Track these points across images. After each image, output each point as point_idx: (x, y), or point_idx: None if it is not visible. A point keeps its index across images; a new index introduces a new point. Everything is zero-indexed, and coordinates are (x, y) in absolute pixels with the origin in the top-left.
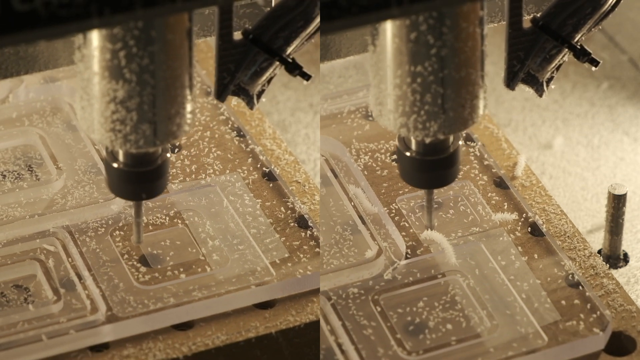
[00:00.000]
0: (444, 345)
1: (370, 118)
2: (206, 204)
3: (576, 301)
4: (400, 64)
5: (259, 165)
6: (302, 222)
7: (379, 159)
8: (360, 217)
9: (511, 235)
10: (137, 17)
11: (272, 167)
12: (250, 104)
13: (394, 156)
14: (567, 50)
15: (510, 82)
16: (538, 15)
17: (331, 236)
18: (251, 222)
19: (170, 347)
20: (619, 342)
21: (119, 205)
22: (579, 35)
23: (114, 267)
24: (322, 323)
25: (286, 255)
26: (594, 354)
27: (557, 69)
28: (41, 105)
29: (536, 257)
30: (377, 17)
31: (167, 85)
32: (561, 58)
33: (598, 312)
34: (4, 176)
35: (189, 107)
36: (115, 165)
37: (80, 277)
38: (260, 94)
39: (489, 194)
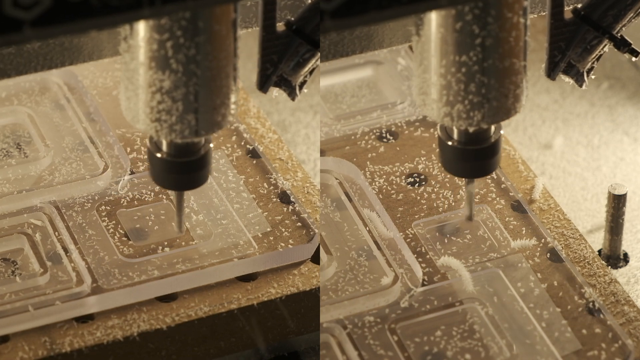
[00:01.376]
0: None
1: (385, 139)
2: None
3: (597, 330)
4: (445, 53)
5: (242, 143)
6: (284, 198)
7: (394, 182)
8: (376, 243)
9: (530, 261)
10: (187, 8)
11: (256, 144)
12: (292, 94)
13: (409, 179)
14: (607, 40)
15: (552, 72)
16: (579, 6)
17: (346, 262)
18: (234, 197)
19: (154, 319)
20: None
21: (105, 182)
22: (620, 26)
23: (100, 241)
24: (338, 353)
25: (268, 229)
26: None
27: (598, 59)
28: (30, 85)
29: (556, 284)
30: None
31: (213, 76)
32: (602, 48)
33: (620, 342)
34: None
35: (233, 97)
36: (159, 155)
37: (66, 251)
38: (302, 85)
39: (507, 218)
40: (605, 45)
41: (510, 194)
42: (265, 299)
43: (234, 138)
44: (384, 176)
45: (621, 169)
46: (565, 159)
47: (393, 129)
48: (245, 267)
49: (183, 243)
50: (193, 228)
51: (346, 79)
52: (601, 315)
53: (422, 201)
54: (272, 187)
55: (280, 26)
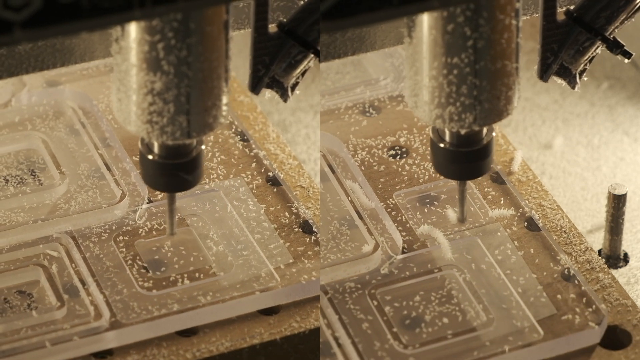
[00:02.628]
0: (440, 339)
1: (368, 114)
2: (210, 209)
3: (572, 295)
4: (437, 55)
5: (262, 170)
6: (306, 227)
7: (376, 154)
8: (358, 212)
9: (507, 230)
10: (178, 9)
11: (276, 171)
12: (284, 96)
13: (391, 152)
14: (600, 42)
15: (544, 74)
16: (572, 7)
17: (328, 231)
18: (255, 227)
19: (175, 354)
20: (614, 336)
21: (122, 210)
22: (612, 28)
23: (118, 273)
24: (319, 317)
25: (290, 260)
26: (590, 347)
27: (590, 61)
28: (44, 109)
29: (532, 252)
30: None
31: (204, 77)
32: (594, 50)
33: (594, 306)
34: (7, 181)
35: (224, 99)
36: (150, 157)
37: (83, 283)
38: (294, 86)
39: (486, 189)
40: (598, 47)
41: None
42: (289, 333)
43: (253, 165)
44: (367, 149)
45: (621, 169)
46: (565, 159)
47: (376, 104)
48: (268, 300)
49: (203, 275)
50: (213, 260)
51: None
52: (576, 282)
53: (403, 173)
54: (293, 217)
55: (272, 27)
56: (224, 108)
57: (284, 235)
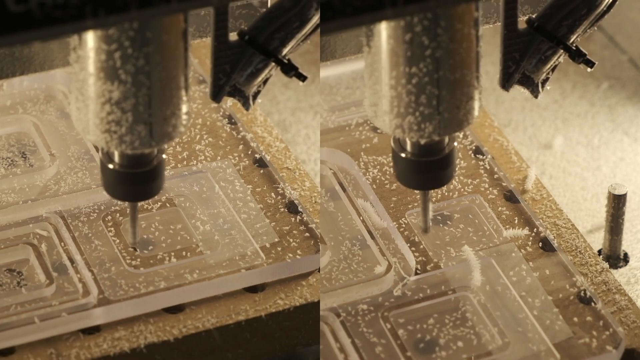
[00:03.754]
0: None
1: (379, 130)
2: (197, 189)
3: (588, 318)
4: (395, 65)
5: (249, 152)
6: (292, 208)
7: (388, 172)
8: (369, 232)
9: (522, 250)
10: (132, 18)
11: (263, 153)
12: (246, 105)
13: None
14: (562, 51)
15: (506, 83)
16: (533, 16)
17: (339, 251)
18: (242, 207)
19: (161, 330)
20: (632, 359)
21: None
22: (575, 36)
23: (106, 251)
24: (331, 340)
25: (276, 239)
26: None
27: (553, 70)
28: (35, 93)
29: (547, 273)
30: (372, 18)
31: (163, 86)
32: (556, 59)
33: (611, 329)
34: None
35: (184, 108)
36: (110, 166)
37: (72, 261)
38: (256, 95)
39: (499, 208)
40: (560, 55)
41: (503, 184)
42: (274, 310)
43: (240, 147)
44: (378, 166)
45: (621, 169)
46: (565, 159)
47: None
48: (253, 278)
49: (190, 254)
50: (200, 238)
51: (341, 72)
52: (592, 304)
53: (415, 191)
54: (279, 197)
55: (234, 36)
56: (184, 117)
57: (269, 215)
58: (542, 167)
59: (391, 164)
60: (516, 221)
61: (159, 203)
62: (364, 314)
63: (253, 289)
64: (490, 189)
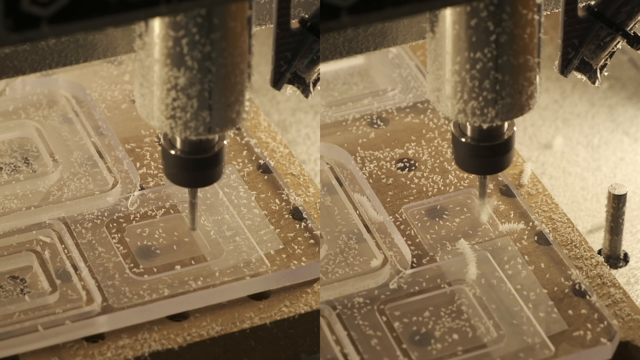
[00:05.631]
0: (450, 356)
1: (375, 125)
2: (201, 195)
3: (583, 311)
4: (459, 50)
5: (254, 158)
6: (296, 214)
7: (384, 167)
8: (366, 226)
9: (517, 244)
10: (203, 5)
11: (267, 159)
12: (305, 91)
13: (399, 164)
14: (620, 37)
15: (565, 69)
16: (592, 3)
17: (336, 245)
18: (246, 213)
19: (166, 338)
20: (626, 352)
21: (115, 197)
22: (633, 23)
23: (110, 258)
24: (327, 333)
25: (281, 246)
26: None
27: (611, 56)
28: (37, 98)
29: (543, 267)
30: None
31: (227, 73)
32: (615, 45)
33: (605, 322)
34: (1, 169)
35: (247, 94)
36: (172, 152)
37: (76, 268)
38: (316, 82)
39: (495, 202)
40: (619, 42)
41: (499, 178)
42: (278, 318)
43: (244, 153)
44: (375, 161)
45: (621, 169)
46: (565, 159)
47: (384, 115)
48: (258, 285)
49: (194, 261)
50: (204, 245)
51: (338, 67)
52: (587, 297)
53: (411, 185)
54: (284, 203)
55: (294, 23)
56: (247, 104)
57: (274, 221)
58: (542, 167)
59: (387, 158)
60: (512, 215)
61: (163, 209)
62: (360, 307)
63: (258, 297)
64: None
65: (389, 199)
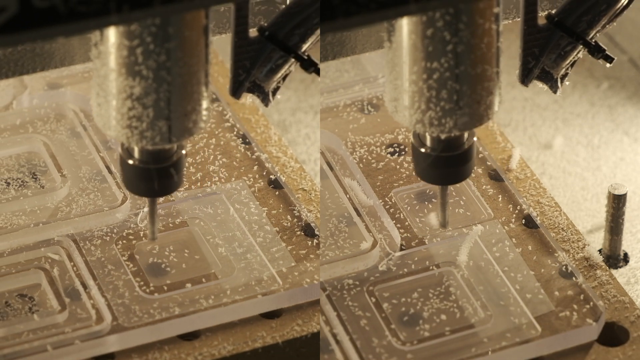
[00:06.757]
0: (438, 336)
1: (366, 112)
2: (212, 212)
3: (569, 292)
4: (416, 60)
5: (264, 173)
6: (308, 231)
7: (375, 152)
8: (356, 210)
9: (505, 227)
10: (156, 14)
11: (278, 174)
12: (265, 100)
13: (390, 149)
14: (581, 46)
15: (525, 78)
16: (553, 12)
17: (327, 228)
18: (257, 230)
19: (177, 358)
20: (612, 333)
21: (124, 214)
22: (594, 32)
23: (120, 276)
24: (319, 315)
25: (292, 264)
26: (587, 344)
27: (572, 65)
28: (45, 112)
29: (530, 249)
30: (372, 18)
31: (184, 82)
32: (576, 54)
33: (591, 303)
34: (8, 184)
35: (204, 103)
36: (130, 161)
37: (85, 287)
38: (275, 91)
39: (484, 186)
40: (580, 51)
41: (488, 163)
42: (291, 337)
43: (255, 168)
44: (365, 146)
45: (621, 169)
46: (565, 159)
47: (374, 102)
48: (270, 304)
49: (205, 279)
50: (215, 263)
51: None
52: (573, 279)
53: (401, 170)
54: (295, 220)
55: (253, 32)
56: (204, 113)
57: (285, 238)
58: (542, 167)
59: (377, 143)
60: (500, 199)
61: (173, 225)
62: (349, 288)
63: (270, 315)
64: (475, 167)
65: (379, 183)
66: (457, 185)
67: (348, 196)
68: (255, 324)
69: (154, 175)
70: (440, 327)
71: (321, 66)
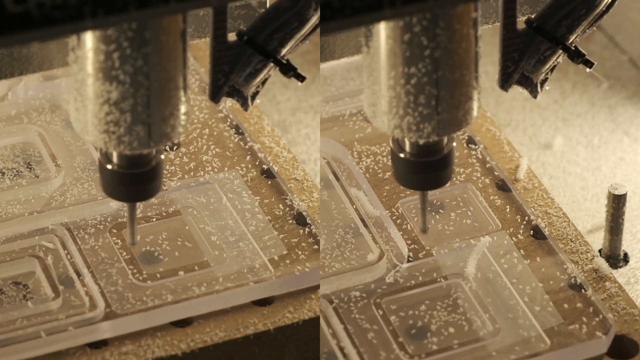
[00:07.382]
0: (446, 349)
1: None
2: (205, 201)
3: (579, 304)
4: (394, 65)
5: (257, 163)
6: (300, 220)
7: (381, 161)
8: (362, 220)
9: (513, 238)
10: (131, 19)
11: (271, 164)
12: (244, 105)
13: None
14: (561, 51)
15: (505, 83)
16: (532, 16)
17: (333, 239)
18: (249, 219)
19: (169, 344)
20: (621, 346)
21: (118, 203)
22: (574, 37)
23: (113, 264)
24: (324, 326)
25: (284, 252)
26: (597, 357)
27: (552, 70)
28: (40, 103)
29: (538, 260)
30: (372, 18)
31: (161, 87)
32: (555, 59)
33: (601, 316)
34: (3, 174)
35: (183, 108)
36: (109, 166)
37: (78, 274)
38: (254, 95)
39: (491, 197)
40: (560, 55)
41: (495, 173)
42: (282, 324)
43: (248, 158)
44: (371, 156)
45: (621, 169)
46: (565, 159)
47: None
48: (262, 291)
49: (198, 266)
50: (208, 251)
51: (335, 63)
52: (583, 291)
53: None
54: (287, 209)
55: (232, 36)
56: (183, 117)
57: (278, 227)
58: (542, 167)
59: (384, 153)
60: (508, 210)
61: (166, 214)
62: (356, 301)
63: (261, 302)
64: (482, 178)
65: (385, 194)
66: (465, 195)
67: (354, 207)
68: (247, 311)
69: (132, 180)
70: (448, 340)
71: (324, 73)
